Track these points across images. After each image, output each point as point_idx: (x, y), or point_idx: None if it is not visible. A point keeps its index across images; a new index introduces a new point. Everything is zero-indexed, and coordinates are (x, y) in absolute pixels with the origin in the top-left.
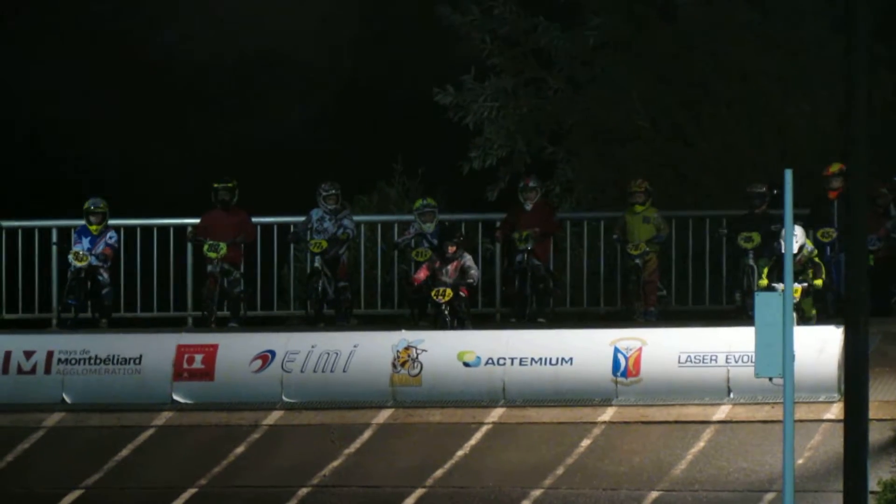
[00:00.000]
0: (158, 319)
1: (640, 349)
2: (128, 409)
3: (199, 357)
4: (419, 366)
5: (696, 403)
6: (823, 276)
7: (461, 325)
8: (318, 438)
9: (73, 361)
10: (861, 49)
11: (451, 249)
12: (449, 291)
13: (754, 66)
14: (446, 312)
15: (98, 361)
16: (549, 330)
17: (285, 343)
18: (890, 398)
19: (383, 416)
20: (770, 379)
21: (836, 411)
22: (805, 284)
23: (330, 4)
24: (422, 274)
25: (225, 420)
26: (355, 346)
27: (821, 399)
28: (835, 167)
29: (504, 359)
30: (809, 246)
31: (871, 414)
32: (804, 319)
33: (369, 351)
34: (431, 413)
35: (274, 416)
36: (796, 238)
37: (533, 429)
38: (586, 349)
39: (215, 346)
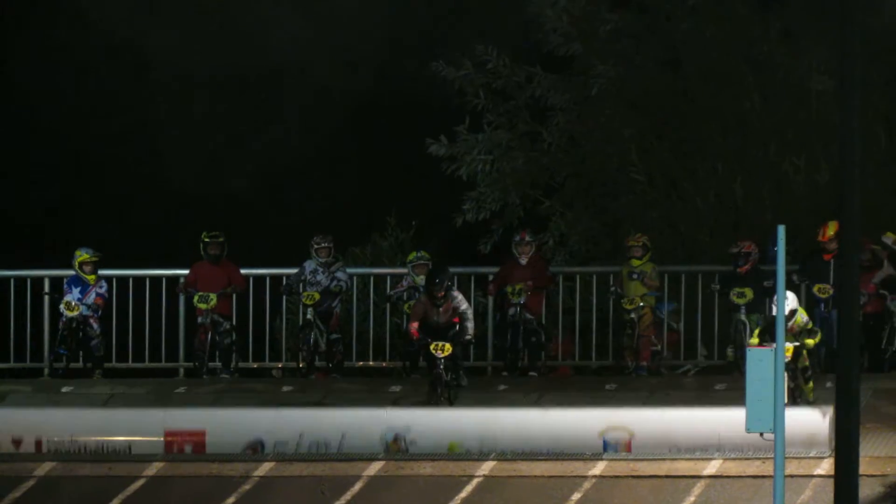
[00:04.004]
0: (150, 370)
1: (629, 442)
2: (118, 460)
3: (188, 447)
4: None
5: (687, 458)
6: (818, 338)
7: (456, 379)
8: (308, 491)
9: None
10: (853, 105)
11: (440, 294)
12: (448, 346)
13: (752, 121)
14: (442, 368)
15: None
16: (541, 412)
17: (273, 431)
18: (881, 454)
19: (374, 468)
20: (761, 434)
21: (826, 467)
22: (797, 344)
23: (322, 55)
24: (415, 324)
25: (216, 471)
26: (343, 436)
27: (812, 454)
28: (831, 230)
29: (492, 452)
30: (804, 316)
31: (862, 469)
32: (804, 400)
33: (357, 440)
34: (422, 465)
35: (265, 468)
36: (788, 303)
37: (523, 482)
38: (574, 438)
39: (203, 434)
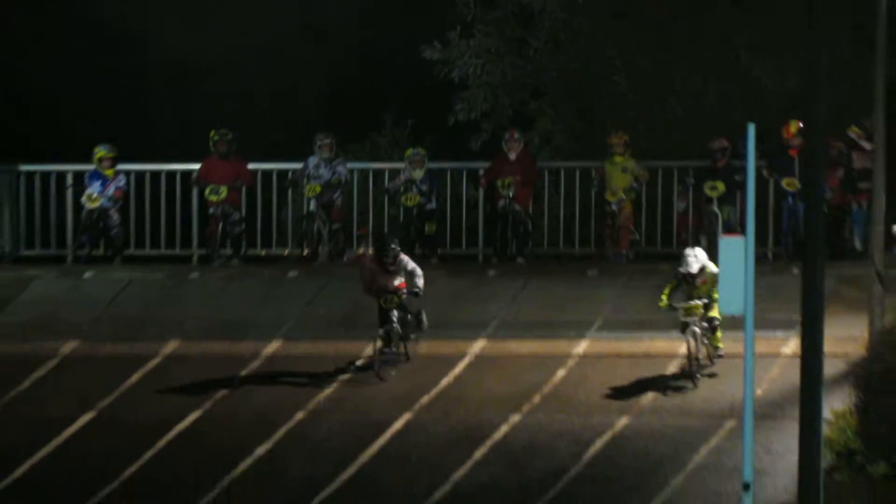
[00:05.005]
0: (166, 257)
1: None
2: (137, 339)
3: None
4: None
5: (664, 338)
6: None
7: (416, 316)
8: (311, 367)
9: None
10: (822, 20)
11: (391, 262)
12: (395, 298)
13: (728, 33)
14: (394, 318)
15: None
16: None
17: None
18: (843, 335)
19: (373, 347)
20: (733, 316)
21: (793, 346)
22: (705, 300)
23: None
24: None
25: (226, 349)
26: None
27: (779, 335)
28: (794, 127)
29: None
30: (713, 268)
31: (826, 349)
32: (715, 348)
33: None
34: (419, 345)
35: (272, 345)
36: (697, 258)
37: (512, 360)
38: None
39: None
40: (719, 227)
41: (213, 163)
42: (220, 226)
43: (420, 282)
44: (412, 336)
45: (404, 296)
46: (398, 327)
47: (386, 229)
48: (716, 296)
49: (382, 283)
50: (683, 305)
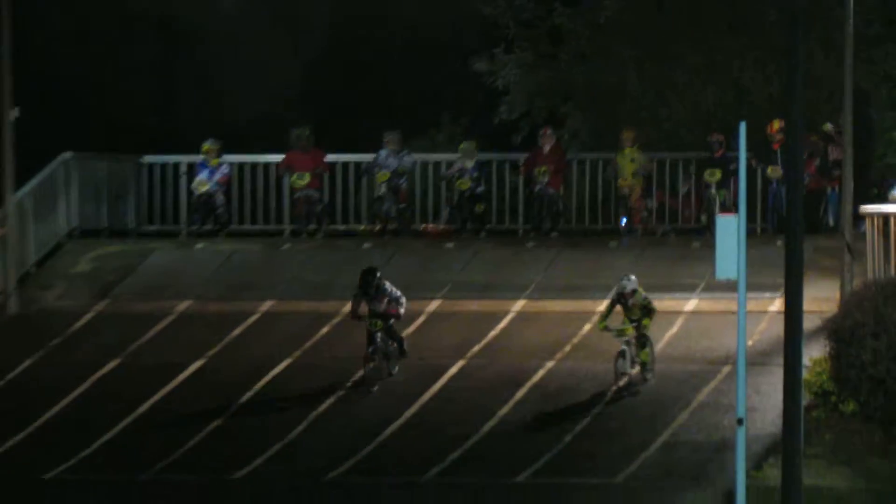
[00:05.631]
0: (264, 231)
1: None
2: (238, 299)
3: None
4: None
5: (670, 298)
6: (653, 316)
7: (399, 344)
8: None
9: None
10: (800, 37)
11: (373, 292)
12: (380, 322)
13: (722, 47)
14: (379, 338)
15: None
16: None
17: None
18: (819, 296)
19: (434, 305)
20: (728, 280)
21: (778, 305)
22: (634, 324)
23: None
24: (363, 309)
25: (314, 308)
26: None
27: (766, 296)
28: (776, 125)
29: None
30: (643, 294)
31: (805, 307)
32: (642, 363)
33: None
34: (470, 303)
35: (349, 305)
36: (631, 281)
37: (547, 316)
38: None
39: None
40: (717, 208)
41: (296, 155)
42: (305, 206)
43: (401, 309)
44: (394, 369)
45: (391, 321)
46: (383, 346)
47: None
48: (646, 321)
49: (370, 308)
50: (617, 328)
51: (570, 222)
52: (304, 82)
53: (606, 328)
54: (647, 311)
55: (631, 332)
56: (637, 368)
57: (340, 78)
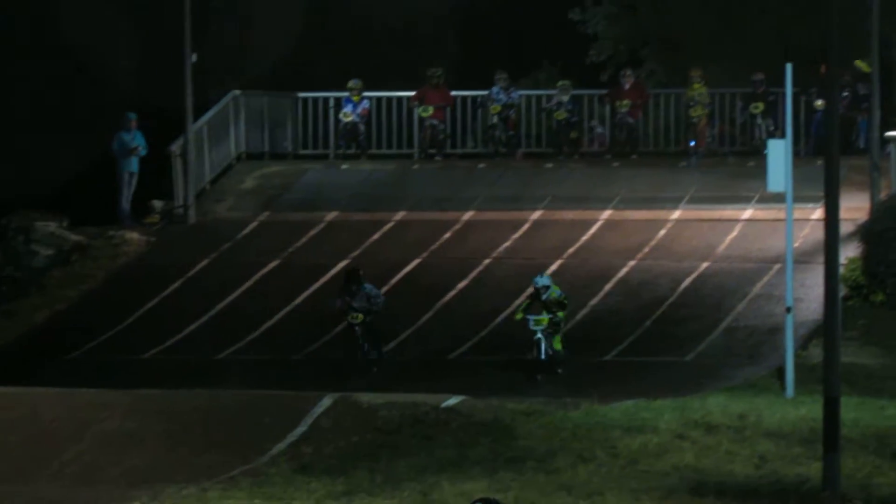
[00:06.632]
0: (392, 155)
1: None
2: (376, 209)
3: None
4: None
5: (731, 208)
6: (567, 310)
7: (376, 340)
8: (493, 230)
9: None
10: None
11: (354, 287)
12: (361, 315)
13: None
14: (359, 332)
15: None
16: None
17: None
18: (852, 205)
19: (536, 214)
20: (778, 193)
21: (819, 213)
22: (550, 316)
23: None
24: (339, 304)
25: (438, 216)
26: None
27: (809, 206)
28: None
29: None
30: (557, 291)
31: (841, 215)
32: (555, 351)
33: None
34: (566, 213)
35: (469, 214)
36: (544, 277)
37: (629, 223)
38: None
39: None
40: (763, 133)
41: (427, 90)
42: (430, 134)
43: (380, 304)
44: (374, 368)
45: (370, 316)
46: (362, 341)
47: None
48: (561, 314)
49: (351, 303)
50: (534, 318)
51: (647, 146)
52: (435, 31)
53: (525, 318)
54: (561, 305)
55: (545, 322)
56: (549, 354)
57: (465, 27)
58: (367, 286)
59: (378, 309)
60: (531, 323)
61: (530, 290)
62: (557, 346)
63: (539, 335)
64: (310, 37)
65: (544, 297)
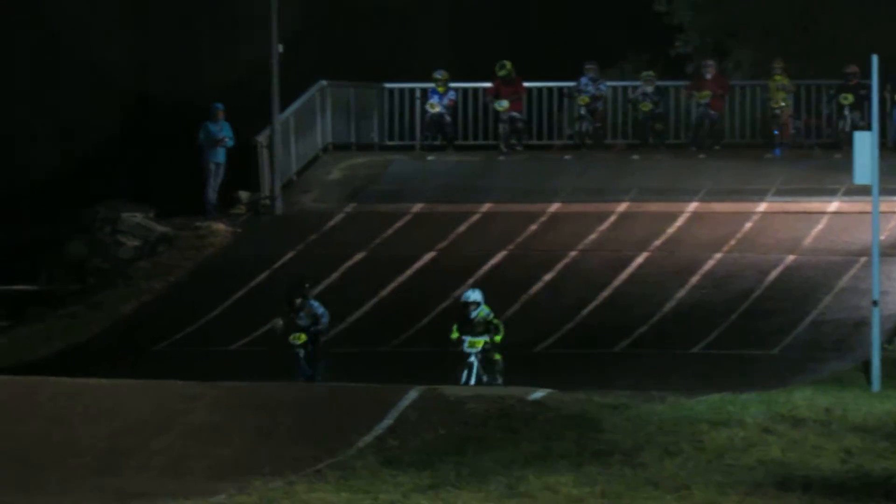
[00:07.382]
0: (478, 146)
1: None
2: (462, 201)
3: None
4: None
5: (817, 201)
6: (501, 333)
7: (316, 361)
8: (579, 222)
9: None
10: None
11: (296, 308)
12: (303, 336)
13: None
14: (301, 354)
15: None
16: None
17: None
18: None
19: (623, 206)
20: (864, 185)
21: None
22: (486, 338)
23: None
24: (280, 323)
25: (524, 209)
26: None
27: (895, 198)
28: None
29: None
30: (486, 310)
31: None
32: (492, 365)
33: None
34: (652, 205)
35: (554, 206)
36: (475, 293)
37: (715, 215)
38: None
39: None
40: (848, 125)
41: (500, 84)
42: (508, 125)
43: (322, 326)
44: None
45: (312, 339)
46: (304, 365)
47: (294, 281)
48: (497, 338)
49: (298, 323)
50: (470, 339)
51: (733, 137)
52: (519, 23)
53: (461, 339)
54: (491, 326)
55: (481, 344)
56: (483, 380)
57: (549, 19)
58: (313, 302)
59: (323, 329)
60: (465, 344)
61: (461, 299)
62: (497, 357)
63: (472, 358)
64: (398, 27)
65: (472, 315)
